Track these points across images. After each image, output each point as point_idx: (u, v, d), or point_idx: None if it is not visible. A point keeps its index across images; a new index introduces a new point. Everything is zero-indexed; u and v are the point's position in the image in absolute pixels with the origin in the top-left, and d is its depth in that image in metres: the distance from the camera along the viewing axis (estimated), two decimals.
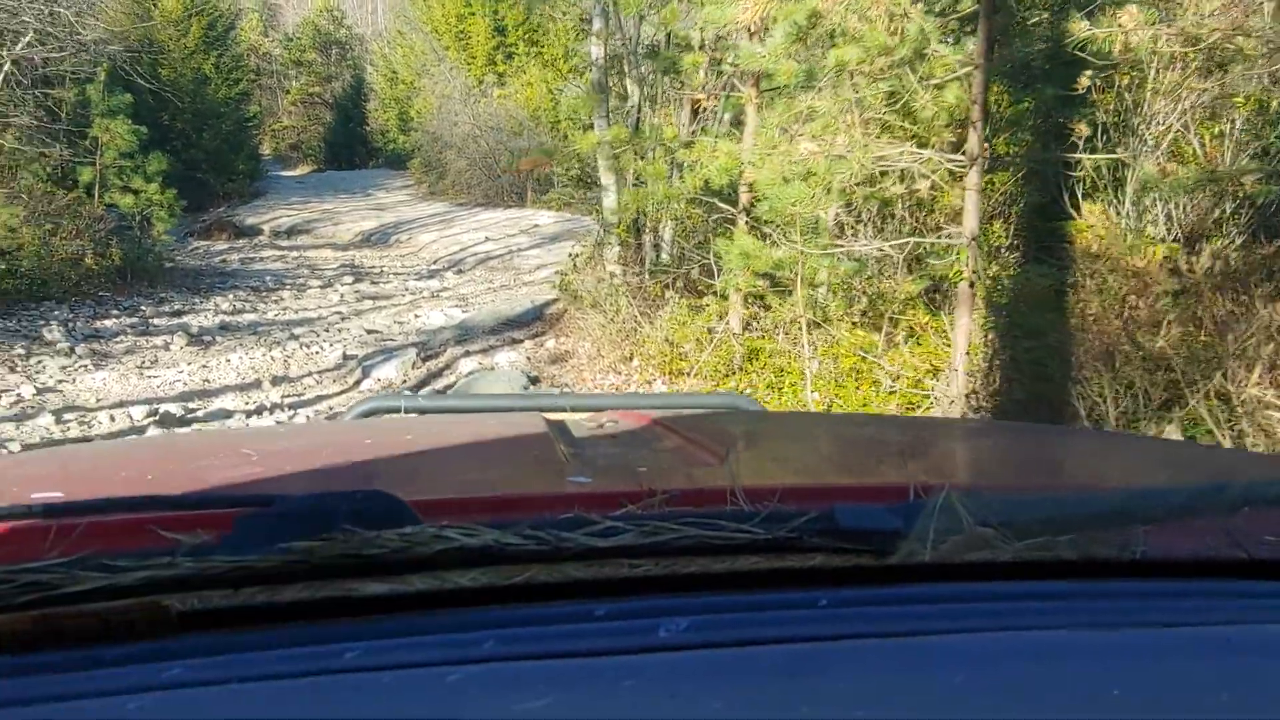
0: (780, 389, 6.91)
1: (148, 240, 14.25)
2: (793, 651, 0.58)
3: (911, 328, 6.72)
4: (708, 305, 7.77)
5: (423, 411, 1.86)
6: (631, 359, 8.34)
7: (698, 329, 7.14)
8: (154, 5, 24.14)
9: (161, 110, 23.98)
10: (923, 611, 0.64)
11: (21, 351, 9.45)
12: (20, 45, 14.06)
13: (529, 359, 9.54)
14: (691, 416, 1.64)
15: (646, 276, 9.16)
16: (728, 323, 7.48)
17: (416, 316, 13.50)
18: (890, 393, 5.80)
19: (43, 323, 10.62)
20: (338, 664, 0.55)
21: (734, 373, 7.24)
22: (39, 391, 8.36)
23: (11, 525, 0.77)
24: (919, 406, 5.72)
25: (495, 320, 11.87)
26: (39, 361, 9.27)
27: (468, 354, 10.14)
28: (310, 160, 37.26)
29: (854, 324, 6.53)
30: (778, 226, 6.49)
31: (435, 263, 20.03)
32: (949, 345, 5.94)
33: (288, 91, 41.71)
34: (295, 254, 19.95)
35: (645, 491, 0.83)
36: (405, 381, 9.36)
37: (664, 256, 9.66)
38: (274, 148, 38.49)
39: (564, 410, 1.66)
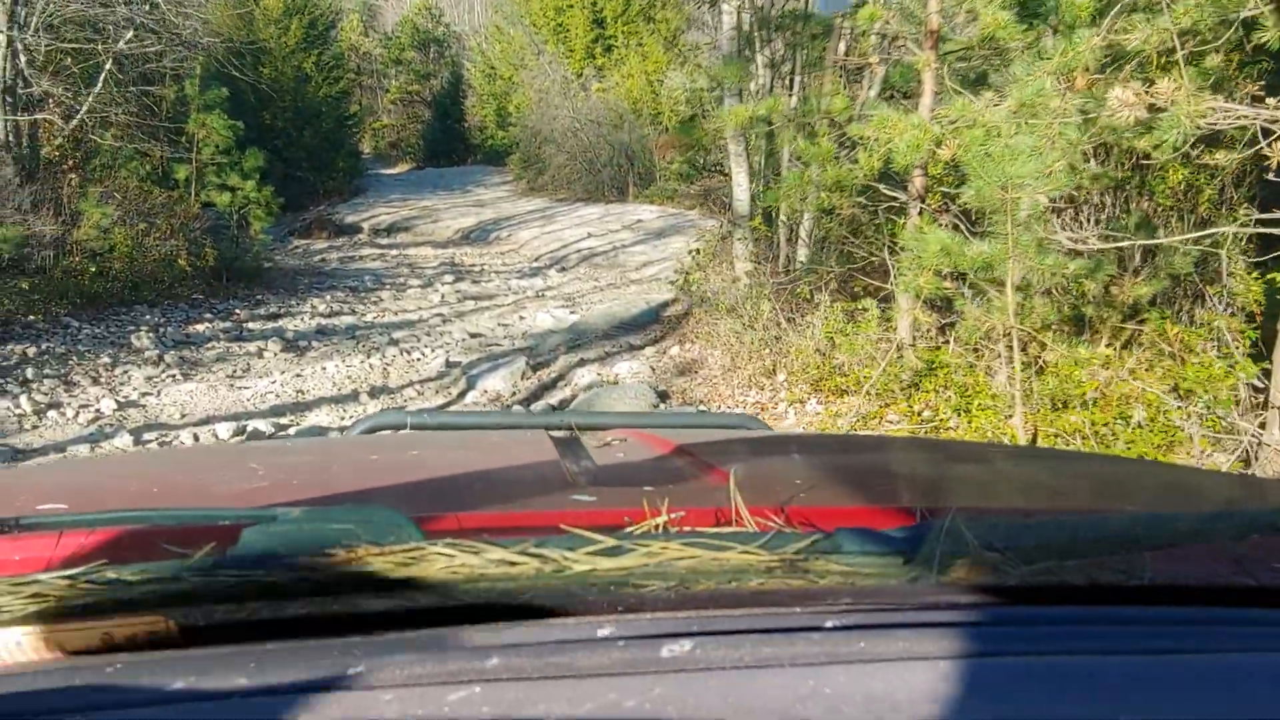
0: (967, 412, 5.63)
1: (244, 240, 13.54)
2: (798, 674, 0.56)
3: (1136, 339, 5.38)
4: (868, 311, 6.52)
5: (427, 427, 1.79)
6: (775, 372, 7.15)
7: (867, 340, 5.90)
8: (256, 3, 23.74)
9: (263, 109, 23.59)
10: (929, 635, 0.61)
11: (108, 360, 8.69)
12: (121, 42, 13.51)
13: (653, 369, 8.41)
14: (697, 436, 1.59)
15: (786, 276, 7.94)
16: (896, 332, 6.23)
17: (521, 318, 12.53)
18: (1139, 427, 4.49)
19: (133, 328, 9.89)
20: (341, 680, 0.54)
21: (906, 390, 5.99)
22: (120, 406, 7.54)
23: (18, 537, 0.76)
24: (1183, 447, 4.42)
25: (608, 323, 10.79)
26: (124, 372, 8.49)
27: (583, 362, 9.07)
28: (409, 158, 36.94)
29: (1071, 336, 5.22)
30: (973, 216, 5.22)
31: (537, 260, 19.13)
32: (1206, 364, 4.60)
33: (387, 90, 41.64)
34: (395, 252, 19.22)
35: (650, 511, 0.82)
36: (515, 394, 8.32)
37: (801, 254, 8.45)
38: (373, 146, 38.28)
39: (570, 428, 1.56)
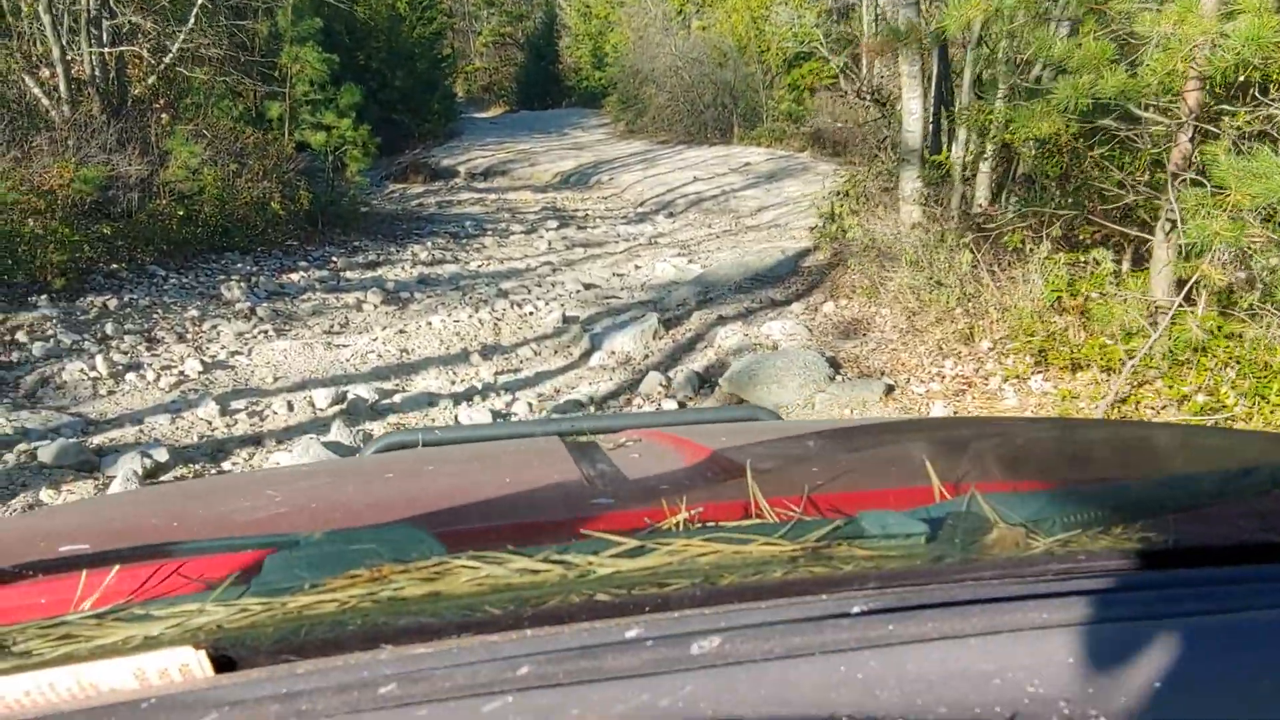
0: (1264, 399, 4.25)
1: (340, 183, 12.53)
2: (829, 661, 0.56)
3: None
4: (1101, 265, 5.12)
5: (440, 443, 1.74)
6: (973, 337, 5.80)
7: (1135, 303, 4.52)
8: None
9: (357, 49, 22.59)
10: (958, 613, 0.60)
11: (195, 314, 7.73)
12: None
13: (809, 330, 7.11)
14: (708, 430, 1.57)
15: (971, 220, 6.53)
16: (1150, 292, 4.83)
17: (637, 267, 11.31)
18: None
19: (223, 277, 8.93)
20: (373, 699, 0.53)
21: (1173, 367, 4.60)
22: (206, 367, 6.56)
23: (43, 580, 0.75)
24: None
25: (740, 274, 9.50)
26: (213, 327, 7.53)
27: (721, 320, 7.81)
28: (502, 101, 35.87)
29: None
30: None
31: (641, 205, 17.87)
32: None
33: (479, 33, 40.60)
34: (494, 196, 18.12)
35: (669, 510, 0.81)
36: (647, 357, 7.13)
37: (980, 194, 7.04)
38: (466, 90, 37.26)
39: (582, 433, 1.54)
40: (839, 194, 9.38)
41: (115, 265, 8.13)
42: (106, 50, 10.60)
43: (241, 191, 10.25)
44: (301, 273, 9.71)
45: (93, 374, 6.18)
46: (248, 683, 0.56)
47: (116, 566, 0.75)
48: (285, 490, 1.24)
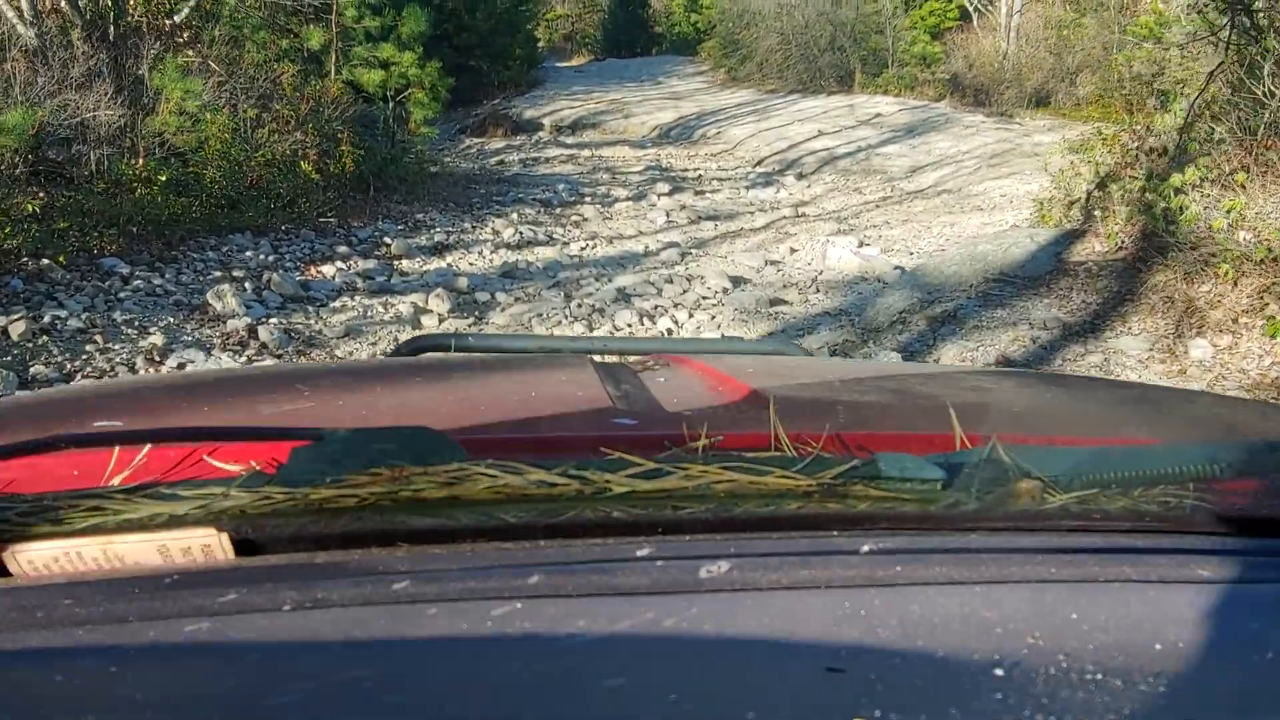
0: None
1: (402, 135, 9.44)
2: (834, 596, 0.55)
3: None
4: None
5: (472, 349, 1.71)
6: None
7: None
8: None
9: None
10: (966, 561, 0.59)
11: (158, 340, 4.75)
12: None
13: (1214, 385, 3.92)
14: (737, 362, 1.47)
15: None
16: None
17: (793, 251, 8.09)
18: None
19: (219, 273, 5.91)
20: (386, 594, 0.53)
21: None
22: None
23: (76, 453, 0.74)
24: None
25: (975, 271, 6.20)
26: (183, 365, 4.55)
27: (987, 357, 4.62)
28: (586, 50, 32.56)
29: None
30: None
31: (760, 164, 14.56)
32: None
33: None
34: (587, 153, 14.92)
35: (689, 435, 0.79)
36: None
37: None
38: (547, 39, 33.93)
39: (612, 352, 1.56)
40: (1145, 151, 6.00)
41: (45, 260, 5.13)
42: None
43: (262, 146, 7.21)
44: (339, 263, 6.65)
45: None
46: (267, 567, 0.56)
47: (148, 446, 0.75)
48: (314, 386, 1.19)
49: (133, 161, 6.22)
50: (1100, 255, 6.03)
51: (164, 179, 6.09)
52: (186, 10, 9.34)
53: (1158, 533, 0.65)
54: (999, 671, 0.48)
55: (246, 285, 5.70)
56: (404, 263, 6.97)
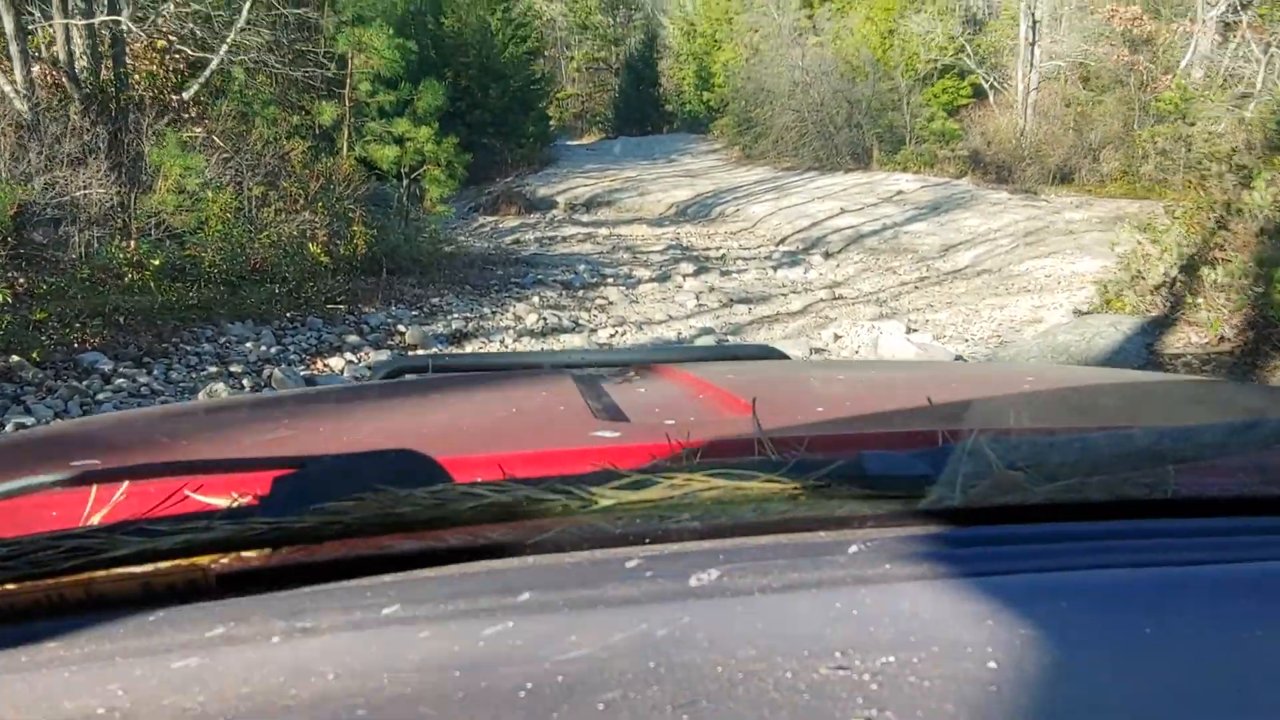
0: None
1: (416, 214, 8.89)
2: (825, 597, 0.54)
3: None
4: None
5: (449, 370, 1.70)
6: None
7: None
8: None
9: (445, 65, 19.24)
10: (954, 554, 0.58)
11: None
12: None
13: None
14: (717, 368, 1.49)
15: None
16: None
17: (837, 337, 7.47)
18: None
19: (214, 369, 5.26)
20: (375, 620, 0.52)
21: None
22: None
23: (53, 494, 0.73)
24: None
25: (1060, 364, 5.61)
26: None
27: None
28: (597, 128, 32.57)
29: None
30: None
31: (783, 242, 14.06)
32: None
33: (571, 58, 37.54)
34: (604, 232, 14.44)
35: (673, 444, 0.79)
36: None
37: None
38: (558, 117, 34.01)
39: (590, 366, 1.52)
40: (1214, 230, 5.40)
41: (15, 356, 4.49)
42: (76, 23, 7.12)
43: (267, 227, 6.63)
44: (349, 354, 6.01)
45: None
46: (253, 599, 0.55)
47: (126, 482, 0.74)
48: (295, 414, 1.19)
49: (124, 244, 5.63)
50: (1199, 348, 5.37)
51: (157, 263, 5.49)
52: (196, 87, 8.91)
53: (1142, 518, 0.64)
54: (993, 665, 0.48)
55: (244, 382, 5.05)
56: (420, 353, 6.32)
